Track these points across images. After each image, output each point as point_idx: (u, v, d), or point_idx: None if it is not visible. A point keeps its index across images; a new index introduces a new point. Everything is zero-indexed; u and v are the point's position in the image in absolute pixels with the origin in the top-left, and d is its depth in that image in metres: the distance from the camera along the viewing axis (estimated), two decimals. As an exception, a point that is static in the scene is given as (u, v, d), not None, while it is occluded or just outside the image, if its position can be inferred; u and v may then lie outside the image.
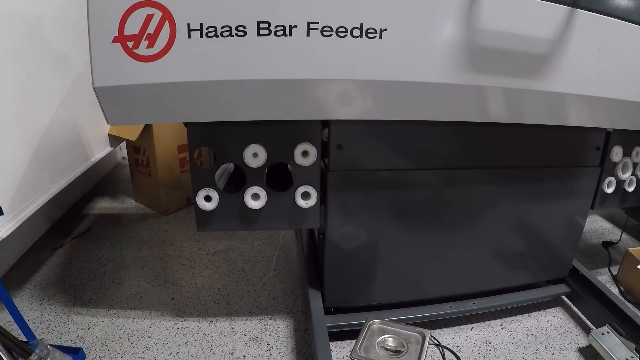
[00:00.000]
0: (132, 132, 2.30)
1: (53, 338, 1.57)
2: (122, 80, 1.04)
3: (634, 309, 1.63)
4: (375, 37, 1.07)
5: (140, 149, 2.44)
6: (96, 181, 2.97)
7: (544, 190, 1.57)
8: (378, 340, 1.28)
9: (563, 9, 1.15)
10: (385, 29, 1.07)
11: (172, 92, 1.07)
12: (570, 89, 1.26)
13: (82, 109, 2.03)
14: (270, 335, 1.60)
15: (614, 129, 1.54)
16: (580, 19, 1.17)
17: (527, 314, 1.74)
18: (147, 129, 2.31)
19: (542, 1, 1.13)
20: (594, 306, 1.64)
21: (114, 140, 2.36)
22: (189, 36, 1.02)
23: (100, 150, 2.23)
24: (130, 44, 1.01)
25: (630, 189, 1.65)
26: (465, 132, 1.40)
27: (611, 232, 2.49)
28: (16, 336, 1.28)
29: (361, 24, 1.05)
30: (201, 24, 1.01)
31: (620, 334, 1.47)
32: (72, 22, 1.85)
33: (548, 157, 1.52)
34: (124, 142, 2.62)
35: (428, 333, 1.28)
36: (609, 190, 1.61)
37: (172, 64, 1.03)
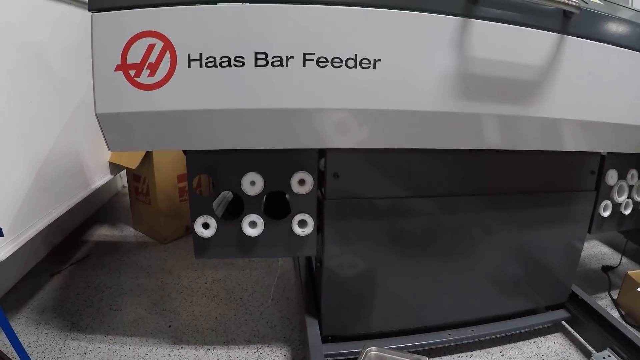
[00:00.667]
0: (133, 161, 2.32)
1: (49, 364, 1.55)
2: (124, 108, 1.06)
3: (635, 332, 1.62)
4: (369, 67, 1.09)
5: (140, 177, 2.45)
6: (96, 209, 2.98)
7: (541, 215, 1.57)
8: (376, 367, 1.27)
9: (552, 35, 1.18)
10: (379, 59, 1.09)
11: (172, 120, 1.09)
12: (563, 114, 1.27)
13: (84, 136, 2.06)
14: (267, 363, 1.59)
15: (608, 153, 1.56)
16: (570, 45, 1.20)
17: (526, 341, 1.72)
18: (148, 157, 2.33)
19: (531, 29, 1.16)
20: (594, 330, 1.63)
21: (115, 168, 2.38)
22: (189, 66, 1.04)
23: (100, 178, 2.25)
24: (132, 72, 1.03)
25: (627, 212, 1.67)
26: (461, 159, 1.41)
27: (611, 256, 2.48)
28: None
29: (355, 55, 1.08)
30: (201, 54, 1.04)
31: (622, 357, 1.46)
32: (75, 50, 1.89)
33: (544, 182, 1.54)
34: (124, 171, 2.64)
35: (426, 360, 1.27)
36: (606, 214, 1.62)
37: (173, 93, 1.05)
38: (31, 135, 1.66)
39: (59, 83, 1.86)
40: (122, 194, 3.36)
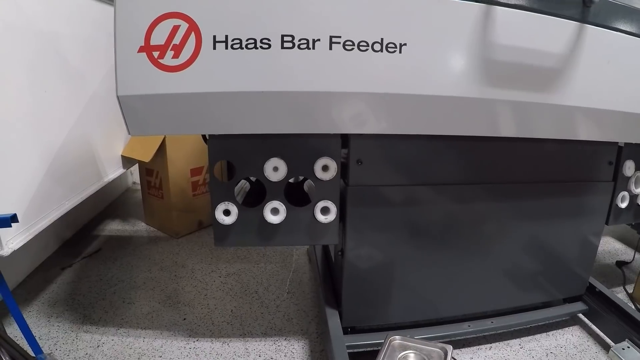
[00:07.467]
0: (146, 154, 2.30)
1: (61, 355, 1.53)
2: (146, 90, 1.05)
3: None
4: (395, 51, 1.09)
5: (153, 171, 2.45)
6: (106, 204, 2.98)
7: (559, 205, 1.57)
8: (399, 356, 1.26)
9: (572, 24, 1.18)
10: (405, 44, 1.09)
11: (196, 103, 1.08)
12: (581, 102, 1.27)
13: (96, 129, 2.06)
14: (285, 356, 1.57)
15: (625, 143, 1.56)
16: (589, 33, 1.20)
17: (544, 333, 1.71)
18: (161, 151, 2.33)
19: (551, 17, 1.16)
20: (612, 322, 1.62)
21: (127, 161, 2.38)
22: (214, 47, 1.03)
23: (113, 171, 2.24)
24: (155, 54, 1.02)
25: (644, 203, 1.66)
26: (483, 147, 1.41)
27: (624, 252, 2.47)
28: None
29: (382, 39, 1.07)
30: (227, 36, 1.03)
31: (642, 349, 1.44)
32: (88, 43, 1.89)
33: (563, 172, 1.53)
34: (135, 167, 2.63)
35: (450, 349, 1.26)
36: (623, 205, 1.61)
37: (197, 75, 1.04)
38: (45, 125, 1.65)
39: (72, 74, 1.85)
40: (133, 190, 3.36)
